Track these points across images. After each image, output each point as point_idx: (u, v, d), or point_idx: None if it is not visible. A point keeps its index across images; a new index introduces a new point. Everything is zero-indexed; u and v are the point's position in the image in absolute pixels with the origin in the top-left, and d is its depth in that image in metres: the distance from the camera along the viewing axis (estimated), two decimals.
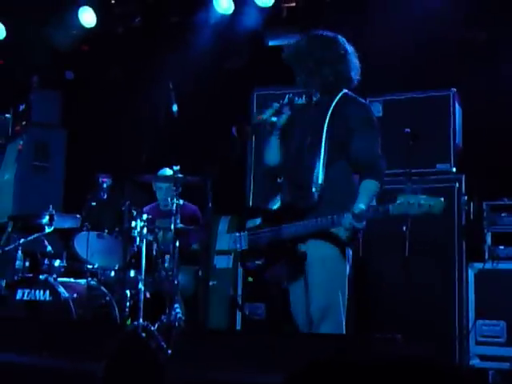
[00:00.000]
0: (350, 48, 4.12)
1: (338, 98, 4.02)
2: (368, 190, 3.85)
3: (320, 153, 3.91)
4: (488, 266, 5.60)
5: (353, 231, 3.85)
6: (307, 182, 3.93)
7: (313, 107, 4.11)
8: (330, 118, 3.95)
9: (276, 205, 4.17)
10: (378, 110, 5.92)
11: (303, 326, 4.04)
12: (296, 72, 4.18)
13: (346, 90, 4.08)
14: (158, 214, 6.31)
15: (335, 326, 3.90)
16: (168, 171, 6.47)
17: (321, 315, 3.89)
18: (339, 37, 4.13)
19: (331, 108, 3.98)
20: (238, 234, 4.11)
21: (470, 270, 5.59)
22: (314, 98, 4.14)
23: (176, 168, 5.67)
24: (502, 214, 5.71)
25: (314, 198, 3.90)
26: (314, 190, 3.90)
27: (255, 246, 4.05)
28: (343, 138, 3.92)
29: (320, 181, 3.89)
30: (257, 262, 4.03)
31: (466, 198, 5.66)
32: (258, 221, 4.07)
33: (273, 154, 4.26)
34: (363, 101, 4.11)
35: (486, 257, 5.67)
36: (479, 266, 5.61)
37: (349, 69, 4.06)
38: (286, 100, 4.26)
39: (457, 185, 5.64)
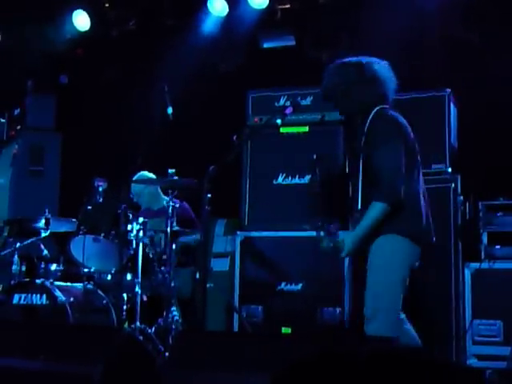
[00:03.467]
0: (377, 66, 4.24)
1: (371, 116, 4.13)
2: (368, 215, 4.00)
3: (359, 174, 4.07)
4: (484, 265, 5.60)
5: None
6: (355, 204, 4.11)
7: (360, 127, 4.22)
8: (364, 137, 4.09)
9: None
10: None
11: None
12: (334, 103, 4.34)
13: (380, 106, 4.17)
14: (150, 214, 6.31)
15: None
16: (146, 174, 6.49)
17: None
18: (363, 60, 4.24)
19: (366, 127, 4.10)
20: None
21: (466, 270, 5.59)
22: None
23: (171, 171, 5.66)
24: (498, 214, 5.72)
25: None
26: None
27: None
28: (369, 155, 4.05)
29: (359, 206, 4.06)
30: None
31: (461, 198, 5.67)
32: None
33: None
34: (391, 114, 4.18)
35: (483, 257, 5.67)
36: (475, 265, 5.61)
37: (378, 87, 4.19)
38: (290, 102, 4.32)
39: (452, 185, 5.64)
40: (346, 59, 4.29)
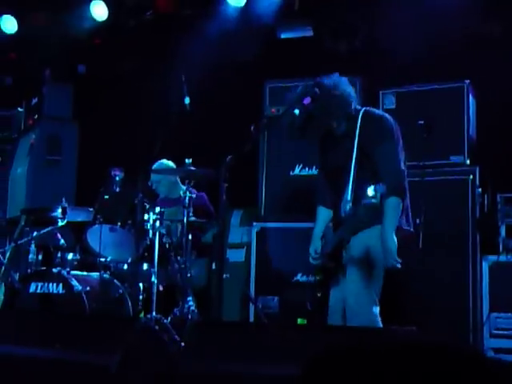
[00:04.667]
0: (333, 80, 4.30)
1: (360, 117, 4.23)
2: (388, 211, 4.08)
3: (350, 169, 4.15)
4: (502, 258, 5.57)
5: None
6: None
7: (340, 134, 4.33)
8: (358, 136, 4.17)
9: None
10: (391, 102, 5.90)
11: None
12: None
13: (364, 108, 4.31)
14: (167, 203, 6.31)
15: None
16: (166, 162, 6.48)
17: None
18: (327, 86, 4.25)
19: (358, 127, 4.20)
20: None
21: (484, 263, 5.55)
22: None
23: (188, 161, 5.65)
24: None
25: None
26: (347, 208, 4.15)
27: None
28: (367, 153, 4.16)
29: (348, 196, 4.12)
30: None
31: (479, 190, 5.62)
32: None
33: None
34: (382, 113, 4.36)
35: (501, 249, 5.63)
36: (493, 258, 5.57)
37: (348, 96, 4.29)
38: (307, 92, 4.31)
39: (471, 177, 5.60)
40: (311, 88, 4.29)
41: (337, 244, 4.24)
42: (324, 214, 4.48)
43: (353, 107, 4.28)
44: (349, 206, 4.10)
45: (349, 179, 4.14)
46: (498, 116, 6.15)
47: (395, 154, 4.17)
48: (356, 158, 4.15)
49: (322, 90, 4.22)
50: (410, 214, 4.32)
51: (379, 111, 4.40)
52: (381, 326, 4.12)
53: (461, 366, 1.10)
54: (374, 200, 3.79)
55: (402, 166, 4.17)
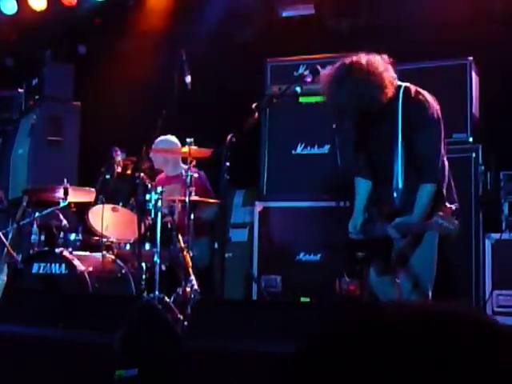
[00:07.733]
0: (367, 59, 4.11)
1: (400, 97, 4.10)
2: (422, 197, 4.02)
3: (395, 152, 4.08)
4: (505, 236, 5.55)
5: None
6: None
7: (379, 113, 4.15)
8: (402, 117, 4.07)
9: None
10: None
11: None
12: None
13: (404, 85, 4.16)
14: (165, 181, 6.28)
15: None
16: (170, 138, 6.42)
17: None
18: (360, 62, 4.08)
19: (399, 107, 4.08)
20: None
21: (486, 241, 5.54)
22: None
23: (190, 140, 5.64)
24: None
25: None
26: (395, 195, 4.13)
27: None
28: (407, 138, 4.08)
29: (399, 184, 4.10)
30: None
31: (482, 167, 5.60)
32: None
33: None
34: (422, 94, 4.15)
35: (503, 227, 5.62)
36: (496, 236, 5.55)
37: (385, 74, 4.08)
38: (310, 69, 4.28)
39: (473, 155, 5.58)
40: (340, 70, 4.11)
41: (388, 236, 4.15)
42: (365, 186, 4.37)
43: (388, 89, 4.06)
44: (400, 194, 4.08)
45: (395, 164, 4.07)
46: (501, 93, 6.12)
47: (434, 142, 4.08)
48: (401, 143, 4.06)
49: (350, 73, 4.04)
50: (454, 192, 4.26)
51: (420, 92, 4.16)
52: None
53: (475, 333, 1.08)
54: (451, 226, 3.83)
55: (440, 156, 4.08)
